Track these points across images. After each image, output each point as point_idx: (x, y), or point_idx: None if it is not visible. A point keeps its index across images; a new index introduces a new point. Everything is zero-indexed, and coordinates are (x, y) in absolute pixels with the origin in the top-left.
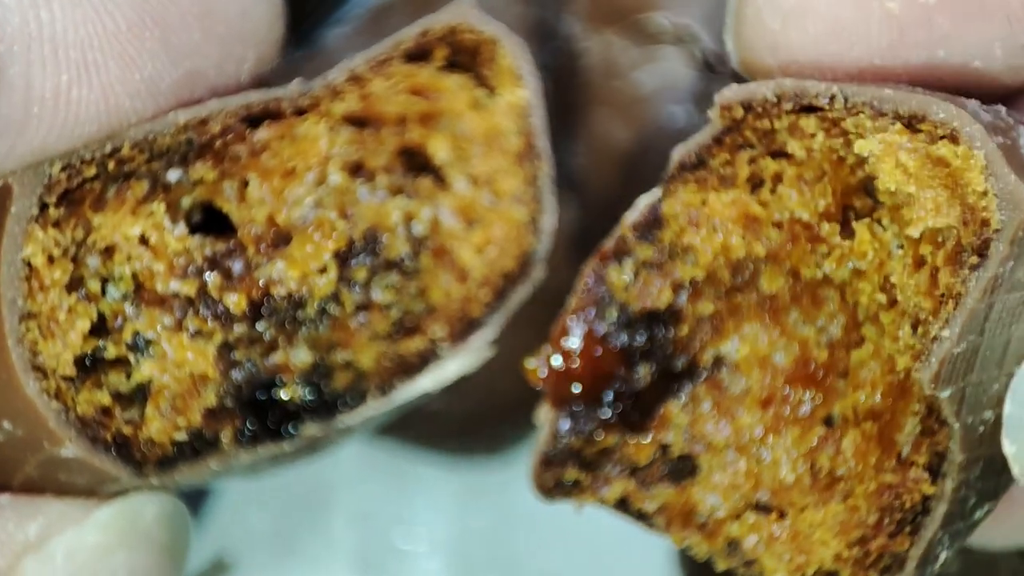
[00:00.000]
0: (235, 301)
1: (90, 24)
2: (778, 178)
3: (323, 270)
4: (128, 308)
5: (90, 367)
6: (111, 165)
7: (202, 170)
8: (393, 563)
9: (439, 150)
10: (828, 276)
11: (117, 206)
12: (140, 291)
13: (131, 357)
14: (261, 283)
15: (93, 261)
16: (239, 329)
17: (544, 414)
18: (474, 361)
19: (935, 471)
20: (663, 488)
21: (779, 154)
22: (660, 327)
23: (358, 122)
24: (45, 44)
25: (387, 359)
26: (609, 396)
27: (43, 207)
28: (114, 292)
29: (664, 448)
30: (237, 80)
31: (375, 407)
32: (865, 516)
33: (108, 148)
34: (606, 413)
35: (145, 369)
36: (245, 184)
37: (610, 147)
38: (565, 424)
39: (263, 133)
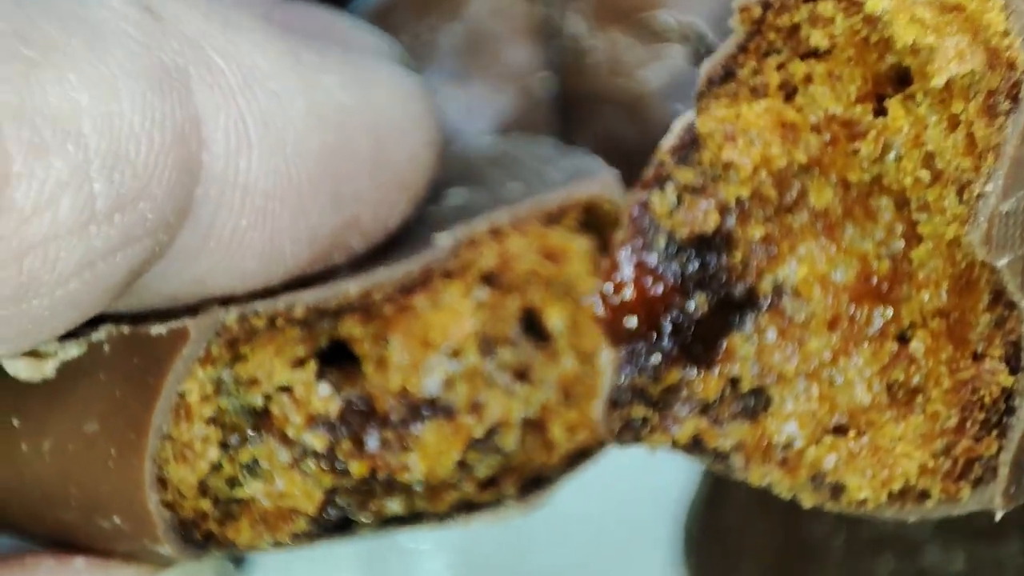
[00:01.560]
0: (357, 468)
1: (278, 175)
2: (808, 79)
3: (447, 464)
4: (248, 429)
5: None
6: (280, 321)
7: (350, 324)
8: (397, 561)
9: (556, 320)
10: (876, 178)
11: (266, 341)
12: (267, 419)
13: (240, 475)
14: (392, 464)
15: (228, 378)
16: (349, 483)
17: (605, 356)
18: (533, 511)
19: (1012, 364)
20: (737, 425)
21: (806, 55)
22: (712, 254)
23: (491, 279)
24: (237, 191)
25: (457, 503)
26: (668, 328)
27: (208, 347)
28: (237, 404)
29: (733, 382)
30: (387, 226)
31: (429, 528)
32: (946, 420)
33: (282, 307)
34: (667, 346)
35: (250, 489)
36: (384, 342)
37: (615, 145)
38: (626, 361)
39: (415, 300)
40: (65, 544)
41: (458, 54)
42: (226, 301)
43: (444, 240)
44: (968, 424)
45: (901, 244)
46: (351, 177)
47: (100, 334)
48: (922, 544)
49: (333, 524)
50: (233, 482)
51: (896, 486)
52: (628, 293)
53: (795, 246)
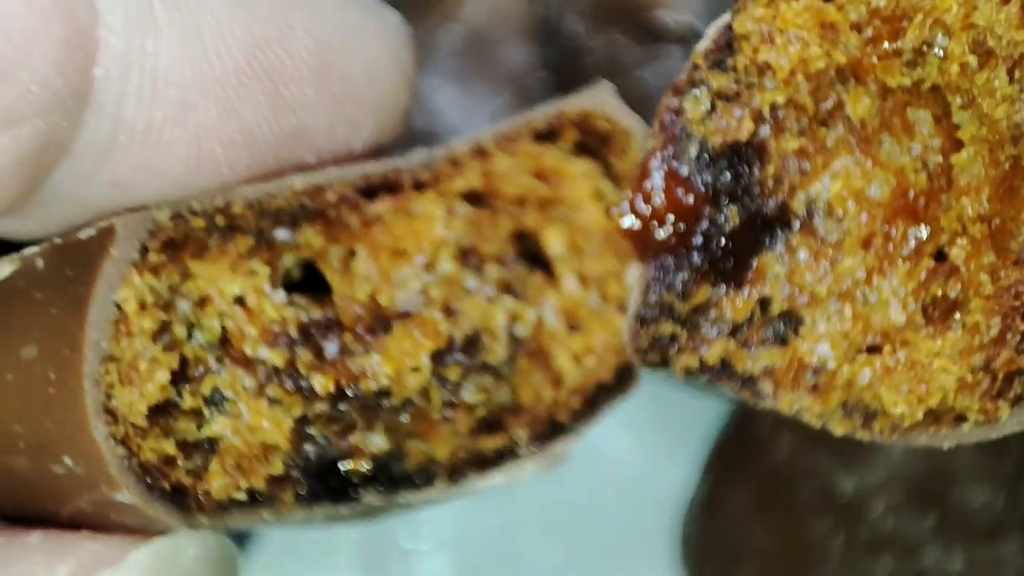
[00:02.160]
0: (322, 383)
1: (195, 63)
2: None
3: (416, 368)
4: (211, 360)
5: (161, 413)
6: (219, 219)
7: (310, 234)
8: (397, 561)
9: (554, 242)
10: (916, 84)
11: (218, 256)
12: (227, 346)
13: (205, 410)
14: (353, 371)
15: (184, 306)
16: (320, 407)
17: (633, 272)
18: (553, 466)
19: None
20: (766, 349)
21: None
22: (744, 166)
23: (476, 199)
24: (145, 76)
25: (463, 451)
26: (698, 240)
27: (143, 251)
28: (200, 338)
29: (763, 304)
30: (348, 146)
31: (441, 491)
32: (986, 332)
33: (220, 202)
34: (696, 261)
35: (217, 425)
36: (352, 254)
37: None
38: (654, 277)
39: (379, 206)
40: (26, 505)
41: (456, 55)
42: None
43: (416, 153)
44: (1009, 334)
45: (939, 159)
46: (291, 79)
47: (33, 248)
48: (921, 545)
49: (316, 468)
50: (200, 423)
51: (933, 401)
52: (658, 202)
53: (829, 161)
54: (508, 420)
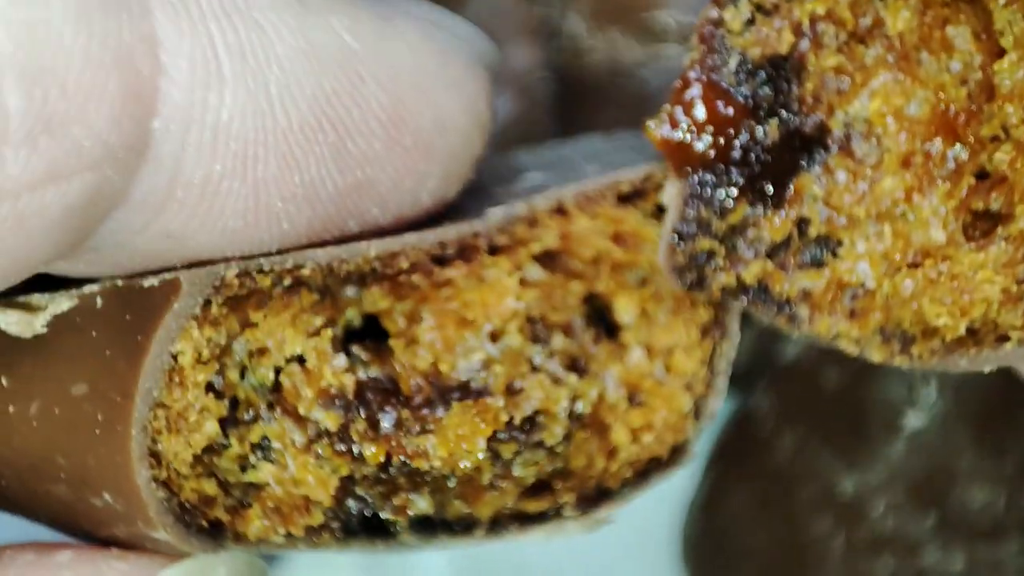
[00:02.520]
0: (373, 453)
1: (260, 117)
2: None
3: (471, 451)
4: (262, 406)
5: (207, 453)
6: (287, 280)
7: (378, 295)
8: (396, 560)
9: (626, 311)
10: None
11: (280, 309)
12: (280, 396)
13: (251, 456)
14: (407, 449)
15: (240, 350)
16: (368, 471)
17: (669, 189)
18: (596, 528)
19: None
20: (804, 272)
21: None
22: (783, 80)
23: (550, 260)
24: (206, 129)
25: (506, 511)
26: (737, 155)
27: (206, 305)
28: (253, 381)
29: (801, 225)
30: (415, 197)
31: (479, 540)
32: None
33: (289, 264)
34: (735, 177)
35: (262, 472)
36: (417, 317)
37: None
38: (692, 193)
39: (451, 272)
40: (63, 524)
41: None
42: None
43: (495, 213)
44: None
45: (979, 75)
46: (359, 133)
47: (93, 287)
48: (922, 545)
49: (357, 521)
50: (244, 465)
51: (976, 313)
52: (698, 114)
53: (868, 80)
54: (556, 484)
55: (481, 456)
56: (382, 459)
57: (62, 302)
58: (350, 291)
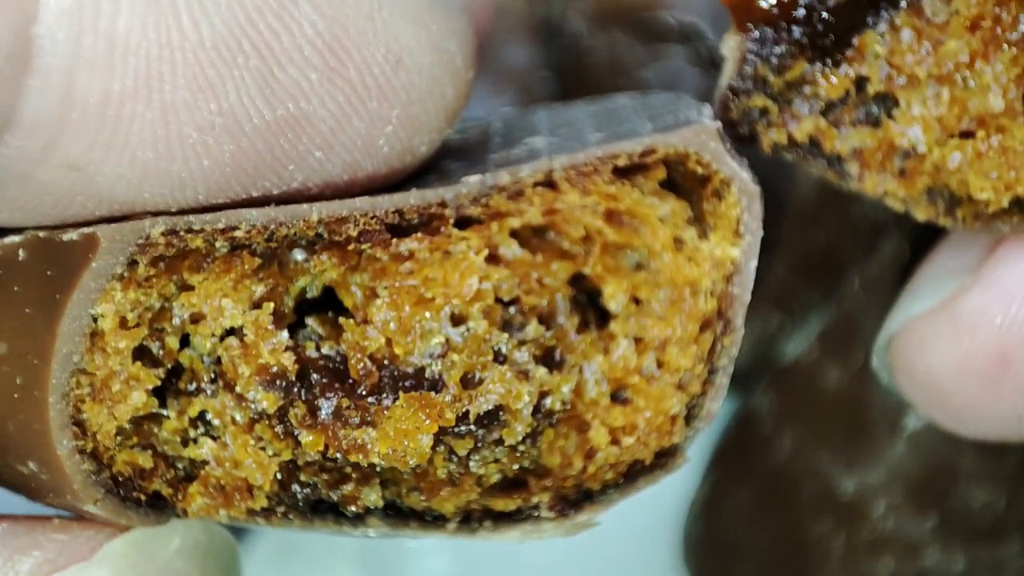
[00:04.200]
0: (311, 441)
1: (164, 30)
2: None
3: (415, 449)
4: (205, 377)
5: (142, 422)
6: (221, 242)
7: (328, 263)
8: (398, 561)
9: (615, 298)
10: None
11: (220, 272)
12: (221, 369)
13: (191, 431)
14: (343, 443)
15: (179, 316)
16: (309, 456)
17: (730, 42)
18: (577, 532)
19: None
20: (858, 130)
21: None
22: None
23: (532, 237)
24: (100, 40)
25: (475, 505)
26: (801, 13)
27: (131, 264)
28: (197, 349)
29: (859, 84)
30: (370, 145)
31: (450, 536)
32: None
33: (222, 224)
34: (796, 34)
35: (203, 450)
36: (373, 292)
37: None
38: (752, 47)
39: (412, 245)
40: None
41: None
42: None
43: (469, 182)
44: None
45: None
46: (288, 60)
47: (15, 237)
48: (922, 545)
49: (307, 506)
50: (185, 439)
51: (1021, 189)
52: None
53: None
54: (530, 482)
55: (426, 449)
56: (320, 448)
57: None
58: (298, 255)
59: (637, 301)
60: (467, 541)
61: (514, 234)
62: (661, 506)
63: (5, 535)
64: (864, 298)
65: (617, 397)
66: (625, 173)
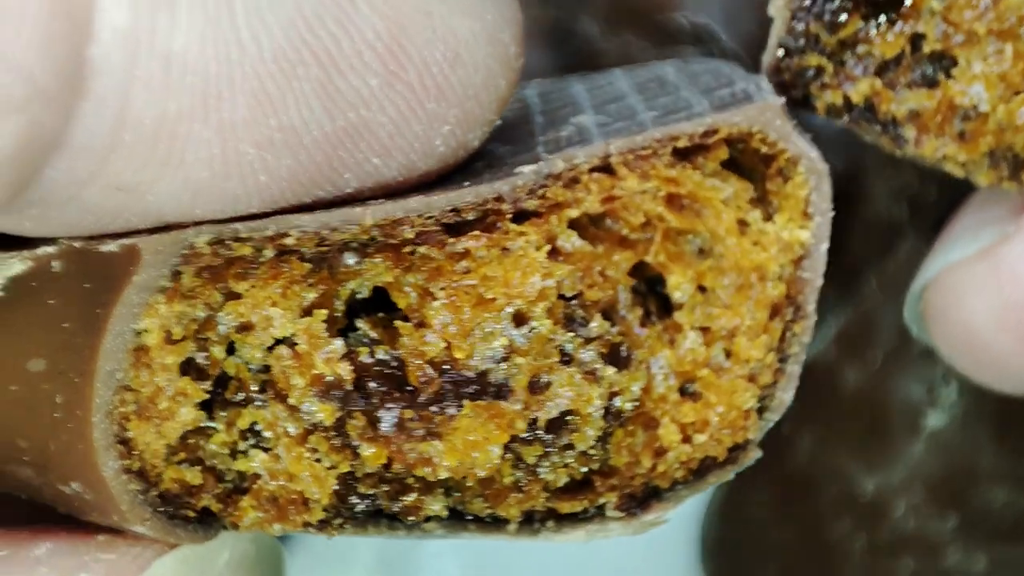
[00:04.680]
0: (372, 455)
1: (223, 46)
2: None
3: (485, 461)
4: (253, 386)
5: (190, 437)
6: (270, 250)
7: (381, 266)
8: (408, 564)
9: (680, 287)
10: None
11: (268, 279)
12: (270, 379)
13: (241, 443)
14: (408, 457)
15: (225, 324)
16: (369, 469)
17: (776, 1)
18: (643, 531)
19: None
20: (914, 91)
21: None
22: None
23: (591, 226)
24: (156, 59)
25: (539, 507)
26: None
27: (175, 276)
28: (244, 357)
29: (915, 41)
30: (426, 145)
31: (512, 538)
32: None
33: (271, 231)
34: None
35: (254, 462)
36: (427, 293)
37: None
38: (803, 3)
39: (469, 243)
40: (46, 508)
41: None
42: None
43: (524, 173)
44: None
45: None
46: (350, 67)
47: (49, 248)
48: (943, 545)
49: (366, 516)
50: (235, 451)
51: None
52: None
53: None
54: (596, 482)
55: (496, 465)
56: (383, 461)
57: (14, 264)
58: (349, 259)
59: (702, 289)
60: (479, 544)
61: (572, 225)
62: (680, 507)
63: (51, 556)
64: (881, 298)
65: (685, 392)
66: (684, 154)
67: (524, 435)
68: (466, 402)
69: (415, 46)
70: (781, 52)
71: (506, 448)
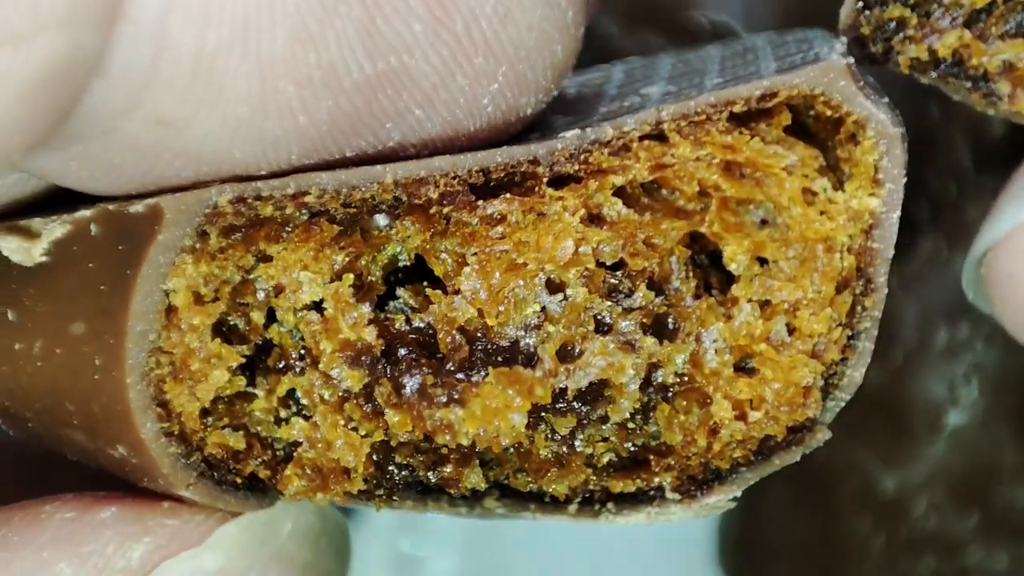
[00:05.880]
0: (398, 421)
1: None
2: None
3: (509, 429)
4: (293, 354)
5: (234, 402)
6: (291, 208)
7: (412, 229)
8: (404, 566)
9: (736, 259)
10: None
11: (299, 241)
12: (307, 346)
13: (282, 411)
14: (428, 423)
15: (262, 290)
16: (402, 437)
17: None
18: (706, 514)
19: None
20: (1008, 41)
21: None
22: None
23: (645, 192)
24: None
25: (594, 487)
26: None
27: (203, 236)
28: (285, 326)
29: None
30: (471, 103)
31: (573, 519)
32: None
33: (291, 189)
34: None
35: (295, 430)
36: (463, 259)
37: None
38: None
39: (501, 207)
40: (112, 475)
41: None
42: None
43: (567, 137)
44: None
45: None
46: (393, 9)
47: (86, 212)
48: (964, 544)
49: (408, 486)
50: (278, 419)
51: None
52: None
53: None
54: (651, 461)
55: (520, 434)
56: (409, 428)
57: (55, 229)
58: (380, 220)
59: (763, 262)
60: (470, 542)
61: (621, 192)
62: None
63: (116, 520)
64: (901, 296)
65: (743, 368)
66: (746, 120)
67: (556, 405)
68: (490, 369)
69: None
70: (860, 4)
71: (539, 419)
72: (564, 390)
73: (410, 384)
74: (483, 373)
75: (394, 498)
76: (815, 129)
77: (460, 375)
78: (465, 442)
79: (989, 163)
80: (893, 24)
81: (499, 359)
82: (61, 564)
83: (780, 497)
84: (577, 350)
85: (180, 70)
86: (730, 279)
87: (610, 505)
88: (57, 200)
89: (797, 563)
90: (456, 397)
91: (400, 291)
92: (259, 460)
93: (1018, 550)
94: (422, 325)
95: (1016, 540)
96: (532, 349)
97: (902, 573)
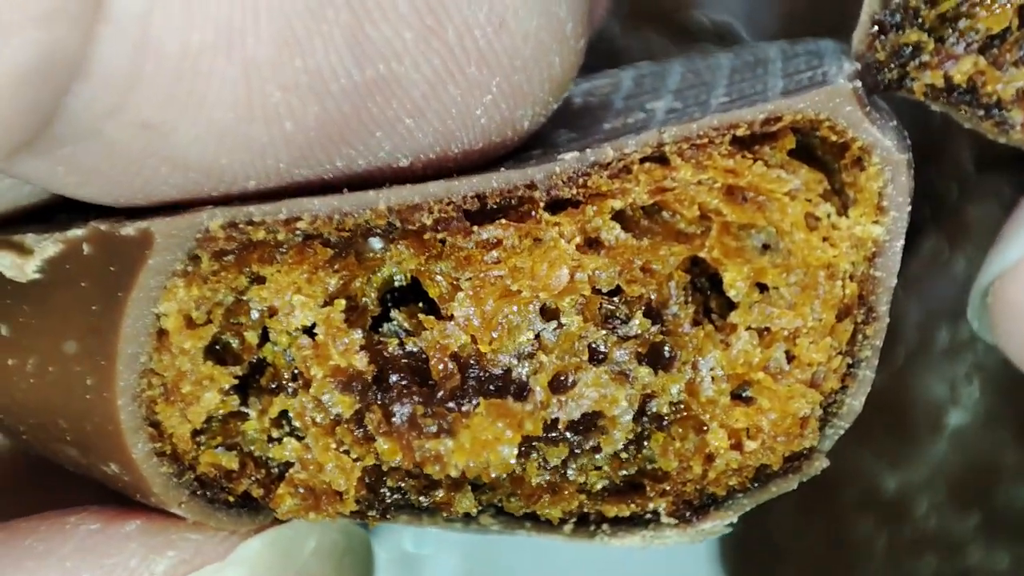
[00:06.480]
0: (387, 449)
1: None
2: None
3: (498, 461)
4: (286, 375)
5: (227, 421)
6: (283, 234)
7: (406, 253)
8: (407, 565)
9: (735, 285)
10: None
11: (293, 264)
12: (300, 368)
13: (275, 431)
14: (418, 454)
15: (256, 310)
16: (391, 463)
17: None
18: (701, 539)
19: None
20: (1023, 69)
21: None
22: None
23: (645, 214)
24: None
25: (588, 510)
26: None
27: (194, 260)
28: (279, 346)
29: (1022, 15)
30: (463, 114)
31: (568, 539)
32: None
33: (283, 215)
34: None
35: (288, 450)
36: (457, 284)
37: None
38: None
39: (496, 232)
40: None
41: None
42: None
43: (565, 160)
44: None
45: None
46: (382, 16)
47: (78, 231)
48: (966, 544)
49: (398, 507)
50: (271, 438)
51: None
52: None
53: None
54: (646, 486)
55: (510, 466)
56: (398, 456)
57: (47, 247)
58: (375, 243)
59: (764, 288)
60: (471, 542)
61: (620, 214)
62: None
63: (140, 533)
64: (902, 296)
65: (740, 396)
66: (750, 143)
67: (549, 435)
68: (481, 399)
69: (456, 4)
70: (875, 28)
71: (530, 448)
72: (556, 420)
73: (400, 413)
74: (474, 403)
75: (388, 516)
76: (821, 151)
77: (451, 404)
78: (455, 474)
79: (990, 164)
80: (909, 49)
81: (491, 388)
82: (85, 575)
83: (784, 498)
84: (570, 380)
85: (163, 71)
86: (730, 302)
87: (605, 527)
88: (59, 208)
89: (799, 563)
90: (446, 428)
91: (395, 313)
92: (252, 479)
93: (1019, 550)
94: (415, 349)
95: (1017, 540)
96: (524, 379)
97: (905, 573)
